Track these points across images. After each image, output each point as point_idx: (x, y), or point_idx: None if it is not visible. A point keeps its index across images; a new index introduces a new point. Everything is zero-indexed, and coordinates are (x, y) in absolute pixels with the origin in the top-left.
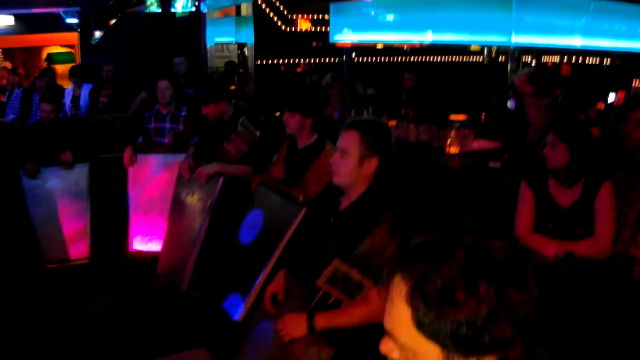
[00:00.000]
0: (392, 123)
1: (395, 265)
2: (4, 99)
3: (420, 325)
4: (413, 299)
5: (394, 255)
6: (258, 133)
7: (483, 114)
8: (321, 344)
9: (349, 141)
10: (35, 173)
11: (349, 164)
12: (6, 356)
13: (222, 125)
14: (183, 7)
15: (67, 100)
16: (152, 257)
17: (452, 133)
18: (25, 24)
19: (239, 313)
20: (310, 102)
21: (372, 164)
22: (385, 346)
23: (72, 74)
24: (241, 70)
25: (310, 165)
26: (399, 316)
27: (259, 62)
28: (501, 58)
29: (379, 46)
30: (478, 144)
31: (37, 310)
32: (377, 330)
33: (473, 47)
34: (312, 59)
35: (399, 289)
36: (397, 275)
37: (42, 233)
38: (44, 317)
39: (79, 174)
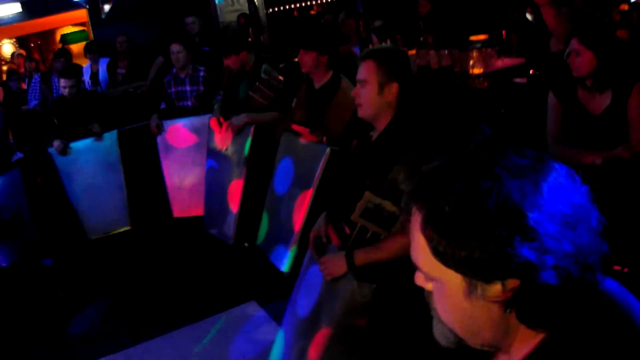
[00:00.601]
0: (412, 52)
1: (409, 196)
2: (24, 87)
3: (437, 254)
4: (426, 229)
5: (408, 185)
6: (281, 78)
7: (504, 31)
8: (361, 280)
9: (366, 71)
10: (65, 149)
11: (369, 94)
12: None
13: (245, 75)
14: None
15: (86, 77)
16: (196, 220)
17: (474, 54)
18: (33, 8)
19: (285, 263)
20: (324, 39)
21: (393, 90)
22: (419, 279)
23: (87, 50)
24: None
25: (328, 104)
26: (419, 246)
27: (270, 10)
28: None
29: None
30: (502, 62)
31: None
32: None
33: None
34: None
35: (415, 220)
36: (414, 206)
37: (82, 207)
38: (93, 285)
39: (109, 144)
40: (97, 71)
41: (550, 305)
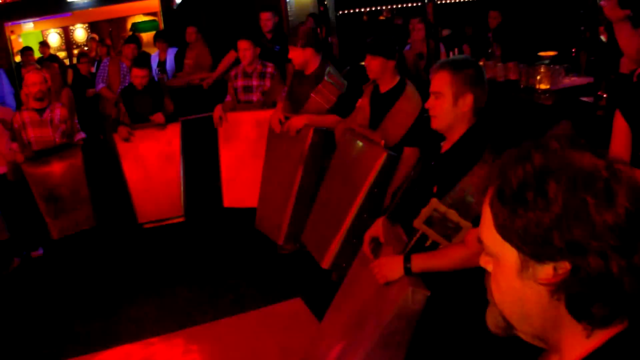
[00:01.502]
0: (480, 63)
1: (490, 175)
2: (93, 70)
3: (497, 225)
4: (492, 200)
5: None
6: (345, 82)
7: (574, 48)
8: (416, 286)
9: (440, 82)
10: (129, 136)
11: (444, 105)
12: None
13: (309, 76)
14: None
15: (154, 65)
16: (246, 213)
17: (542, 69)
18: None
19: (327, 261)
20: (391, 44)
21: (468, 101)
22: (483, 259)
23: (157, 38)
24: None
25: (390, 109)
26: (485, 219)
27: (340, 12)
28: None
29: None
30: (569, 80)
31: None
32: (473, 275)
33: None
34: (395, 5)
35: (488, 195)
36: (489, 186)
37: (138, 194)
38: (140, 272)
39: (171, 135)
40: (165, 60)
41: (598, 297)
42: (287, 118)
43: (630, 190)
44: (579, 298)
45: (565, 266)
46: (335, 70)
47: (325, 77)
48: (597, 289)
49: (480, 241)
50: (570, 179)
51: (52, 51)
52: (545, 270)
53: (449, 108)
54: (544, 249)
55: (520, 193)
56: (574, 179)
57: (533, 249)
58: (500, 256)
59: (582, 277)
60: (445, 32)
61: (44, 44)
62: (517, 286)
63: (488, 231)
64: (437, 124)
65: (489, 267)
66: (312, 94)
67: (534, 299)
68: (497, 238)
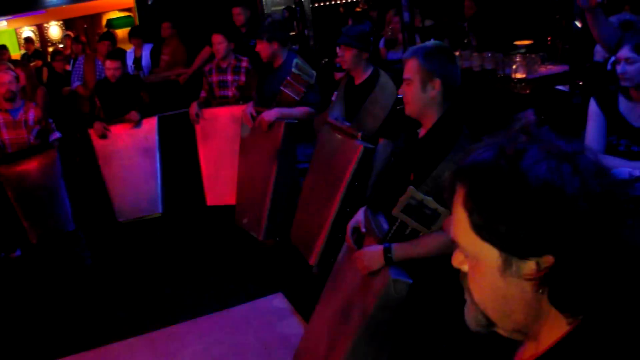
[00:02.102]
0: (455, 53)
1: (454, 174)
2: (69, 68)
3: (476, 227)
4: (467, 202)
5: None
6: (314, 73)
7: (549, 37)
8: (397, 276)
9: (409, 69)
10: (104, 132)
11: (413, 91)
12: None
13: (277, 69)
14: None
15: (130, 61)
16: (226, 209)
17: (518, 59)
18: None
19: (314, 257)
20: (365, 35)
21: (436, 86)
22: (456, 259)
23: (132, 35)
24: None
25: (365, 100)
26: (459, 221)
27: (316, 4)
28: None
29: None
30: (546, 69)
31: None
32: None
33: None
34: None
35: (458, 195)
36: (458, 183)
37: (115, 190)
38: (121, 269)
39: (148, 130)
40: (141, 56)
41: (581, 287)
42: (258, 113)
43: (595, 177)
44: (563, 289)
45: (548, 260)
46: (304, 62)
47: (293, 69)
48: (580, 279)
49: (453, 242)
50: (545, 174)
51: (24, 51)
52: (529, 266)
53: (419, 94)
54: (527, 246)
55: (497, 194)
56: (550, 175)
57: (516, 247)
58: (479, 256)
59: (565, 269)
60: (428, 23)
61: (28, 40)
62: (500, 284)
63: (463, 232)
64: (409, 110)
65: (464, 267)
66: (281, 87)
67: (518, 295)
68: (475, 239)
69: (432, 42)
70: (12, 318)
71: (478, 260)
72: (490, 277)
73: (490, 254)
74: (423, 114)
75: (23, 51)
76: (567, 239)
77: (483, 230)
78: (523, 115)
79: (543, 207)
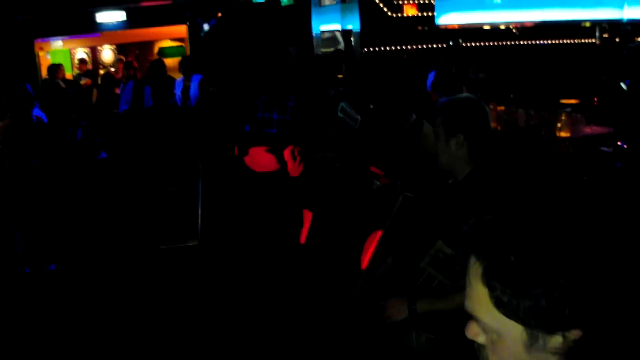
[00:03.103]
0: (501, 108)
1: (469, 246)
2: (118, 91)
3: (499, 304)
4: (488, 278)
5: (467, 236)
6: (359, 118)
7: (596, 97)
8: (420, 329)
9: (438, 122)
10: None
11: (439, 145)
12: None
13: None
14: None
15: (178, 91)
16: None
17: (563, 117)
18: (137, 19)
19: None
20: (407, 84)
21: (459, 142)
22: (471, 331)
23: (182, 65)
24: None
25: (407, 149)
26: (478, 297)
27: (365, 49)
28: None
29: (486, 27)
30: (590, 129)
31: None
32: None
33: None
34: (419, 45)
35: (475, 269)
36: (473, 256)
37: (154, 216)
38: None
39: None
40: (189, 86)
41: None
42: (300, 153)
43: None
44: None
45: (576, 334)
46: (348, 106)
47: (339, 114)
48: (606, 353)
49: (474, 317)
50: (571, 247)
51: (77, 70)
52: (556, 340)
53: (443, 148)
54: (555, 321)
55: (523, 270)
56: (575, 247)
57: (544, 323)
58: (502, 332)
59: (592, 342)
60: (481, 76)
61: (82, 61)
62: (524, 358)
63: (485, 309)
64: (439, 162)
65: (480, 339)
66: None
67: None
68: (497, 315)
69: (461, 95)
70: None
71: (501, 335)
72: (514, 351)
73: (514, 330)
74: (453, 167)
75: (76, 71)
76: (595, 314)
77: (508, 307)
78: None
79: (570, 280)
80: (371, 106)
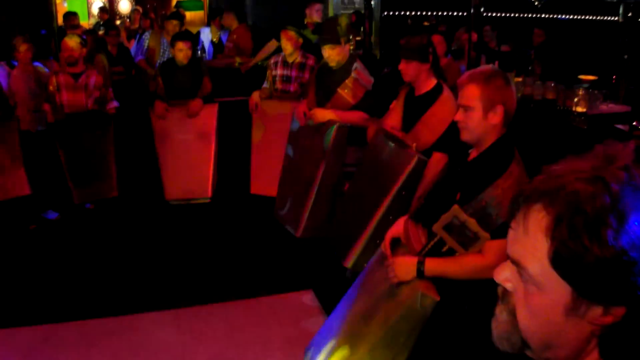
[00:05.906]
0: (519, 79)
1: (538, 194)
2: (133, 43)
3: (556, 260)
4: (556, 231)
5: (532, 183)
6: (373, 80)
7: (614, 76)
8: (426, 291)
9: (470, 96)
10: (165, 113)
11: (474, 119)
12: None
13: (337, 71)
14: None
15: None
16: (271, 200)
17: (580, 92)
18: None
19: (350, 260)
20: (424, 47)
21: (498, 114)
22: (502, 274)
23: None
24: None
25: (424, 112)
26: (534, 247)
27: (385, 13)
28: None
29: None
30: (607, 107)
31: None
32: (484, 287)
33: None
34: (440, 12)
35: (539, 219)
36: (538, 204)
37: (168, 170)
38: (160, 246)
39: (208, 116)
40: (219, 39)
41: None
42: (311, 110)
43: None
44: (620, 340)
45: (619, 311)
46: (364, 67)
47: (353, 74)
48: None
49: (513, 260)
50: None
51: (97, 19)
52: (597, 311)
53: (479, 121)
54: (609, 292)
55: (596, 229)
56: None
57: (594, 292)
58: (545, 288)
59: (631, 323)
60: (504, 48)
61: (103, 10)
62: (559, 320)
63: (538, 262)
64: (467, 136)
65: (508, 285)
66: (338, 89)
67: (572, 335)
68: (549, 270)
69: (487, 66)
70: (45, 278)
71: (543, 290)
72: (551, 310)
73: (560, 290)
74: (480, 139)
75: (92, 20)
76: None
77: (565, 265)
78: (619, 146)
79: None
80: (385, 69)
